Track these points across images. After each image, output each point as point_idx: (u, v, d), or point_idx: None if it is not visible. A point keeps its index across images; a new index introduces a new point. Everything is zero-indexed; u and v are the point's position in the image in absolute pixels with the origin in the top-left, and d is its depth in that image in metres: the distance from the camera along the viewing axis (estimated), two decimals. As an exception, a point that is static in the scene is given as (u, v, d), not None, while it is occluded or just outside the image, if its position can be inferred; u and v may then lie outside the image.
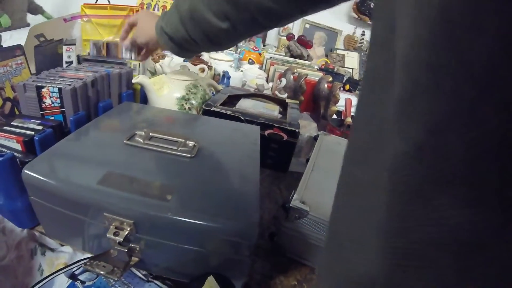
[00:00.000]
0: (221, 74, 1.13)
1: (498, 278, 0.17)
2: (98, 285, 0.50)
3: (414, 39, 0.17)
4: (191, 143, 0.55)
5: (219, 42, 0.66)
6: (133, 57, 0.80)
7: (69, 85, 0.65)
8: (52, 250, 0.68)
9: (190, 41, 0.66)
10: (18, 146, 0.57)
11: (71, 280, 0.53)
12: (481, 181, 0.16)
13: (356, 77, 2.12)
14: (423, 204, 0.18)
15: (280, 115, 0.85)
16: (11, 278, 0.75)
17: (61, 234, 0.54)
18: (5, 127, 0.60)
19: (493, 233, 0.16)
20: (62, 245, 0.58)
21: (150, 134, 0.56)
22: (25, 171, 0.46)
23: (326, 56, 2.27)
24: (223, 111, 0.76)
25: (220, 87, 0.94)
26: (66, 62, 0.87)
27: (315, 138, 0.81)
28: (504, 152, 0.15)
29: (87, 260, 0.53)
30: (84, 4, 1.01)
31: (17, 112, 0.75)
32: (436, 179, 0.17)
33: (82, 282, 0.52)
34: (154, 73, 0.91)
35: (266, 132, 0.75)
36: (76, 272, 0.54)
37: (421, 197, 0.18)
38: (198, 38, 0.64)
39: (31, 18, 2.39)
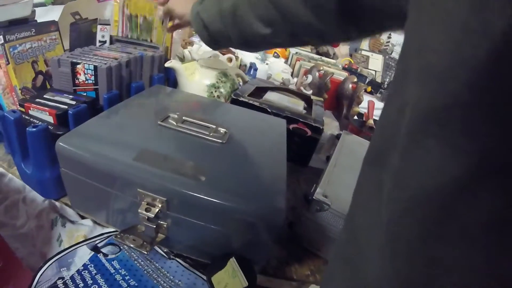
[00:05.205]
0: (247, 65, 1.13)
1: None
2: (120, 258, 0.50)
3: None
4: (222, 130, 0.56)
5: (254, 45, 0.65)
6: (164, 23, 0.77)
7: (105, 63, 0.66)
8: (73, 222, 0.69)
9: (225, 36, 0.63)
10: (50, 119, 0.58)
11: (93, 252, 0.53)
12: None
13: (379, 79, 2.09)
14: None
15: (304, 111, 0.85)
16: (29, 246, 0.77)
17: (87, 207, 0.55)
18: (37, 99, 0.61)
19: None
20: (83, 218, 0.59)
21: (183, 117, 0.57)
22: (60, 143, 0.46)
23: (350, 55, 2.24)
24: (251, 101, 0.77)
25: (247, 77, 0.94)
26: (100, 42, 0.88)
27: (338, 137, 0.81)
28: None
29: (113, 233, 0.54)
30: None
31: (48, 86, 0.75)
32: None
33: (105, 255, 0.53)
34: (182, 59, 0.92)
35: (291, 126, 0.75)
36: (99, 245, 0.55)
37: None
38: (234, 36, 0.62)
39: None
